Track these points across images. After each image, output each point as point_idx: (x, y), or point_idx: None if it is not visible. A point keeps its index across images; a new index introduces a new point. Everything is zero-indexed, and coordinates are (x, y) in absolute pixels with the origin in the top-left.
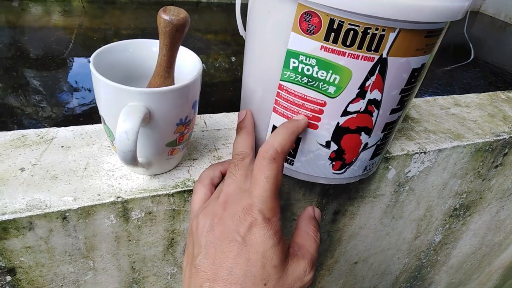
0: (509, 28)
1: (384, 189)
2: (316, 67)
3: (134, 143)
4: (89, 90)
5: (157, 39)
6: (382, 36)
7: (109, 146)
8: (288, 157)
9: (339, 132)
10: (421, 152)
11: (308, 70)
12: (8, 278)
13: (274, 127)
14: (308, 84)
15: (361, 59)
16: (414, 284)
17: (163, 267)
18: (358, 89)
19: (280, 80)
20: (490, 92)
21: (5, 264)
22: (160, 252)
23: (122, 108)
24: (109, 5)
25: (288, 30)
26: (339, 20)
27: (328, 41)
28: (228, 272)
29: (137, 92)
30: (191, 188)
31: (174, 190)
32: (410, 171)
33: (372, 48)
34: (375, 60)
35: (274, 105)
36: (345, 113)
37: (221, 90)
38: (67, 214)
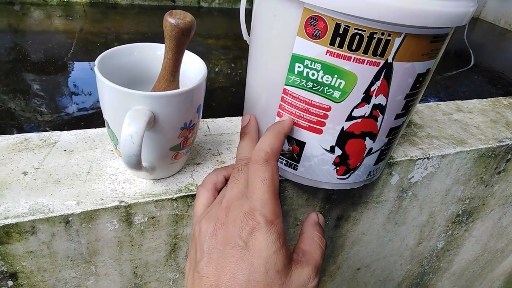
0: (508, 35)
1: (387, 194)
2: (321, 71)
3: (139, 147)
4: (90, 94)
5: (158, 43)
6: (387, 41)
7: (112, 150)
8: (291, 162)
9: (343, 137)
10: (424, 158)
11: (313, 74)
12: (10, 283)
13: None
14: (313, 88)
15: (366, 64)
16: None
17: (165, 272)
18: (363, 94)
19: (285, 84)
20: (493, 98)
21: (7, 268)
22: (162, 258)
23: (127, 111)
24: (110, 9)
25: (294, 34)
26: (345, 25)
27: (333, 45)
28: (231, 278)
29: (142, 95)
30: (194, 192)
31: (178, 195)
32: (413, 176)
33: (378, 53)
34: (380, 65)
35: (279, 110)
36: (350, 118)
37: (222, 95)
38: (70, 218)
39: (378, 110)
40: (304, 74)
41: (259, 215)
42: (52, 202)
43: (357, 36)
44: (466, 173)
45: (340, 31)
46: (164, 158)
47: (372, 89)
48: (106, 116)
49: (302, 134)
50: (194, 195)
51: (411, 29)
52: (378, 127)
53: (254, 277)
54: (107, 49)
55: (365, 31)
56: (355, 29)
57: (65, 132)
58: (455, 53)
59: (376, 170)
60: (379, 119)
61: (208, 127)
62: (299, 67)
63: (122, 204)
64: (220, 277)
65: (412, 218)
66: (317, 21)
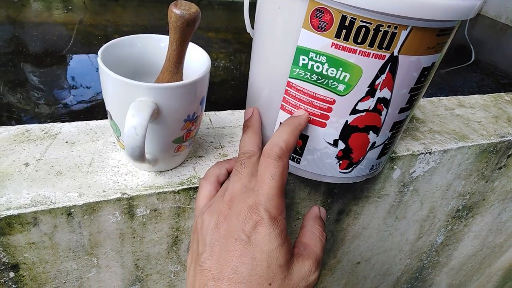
0: (510, 31)
1: (389, 189)
2: (326, 64)
3: (143, 139)
4: (89, 87)
5: (159, 35)
6: (394, 34)
7: (114, 142)
8: (294, 156)
9: (347, 131)
10: (426, 153)
11: (318, 67)
12: (11, 274)
13: None
14: (318, 81)
15: (372, 57)
16: (415, 285)
17: (166, 265)
18: (368, 87)
19: (289, 77)
20: (494, 94)
21: (9, 260)
22: (164, 250)
23: (130, 103)
24: (110, 1)
25: (299, 26)
26: (351, 17)
27: (339, 38)
28: (233, 271)
29: (146, 87)
30: (196, 185)
31: (180, 187)
32: (415, 171)
33: (384, 46)
34: (386, 58)
35: (282, 103)
36: (354, 111)
37: (222, 88)
38: (72, 210)
39: (382, 104)
40: (309, 67)
41: (263, 210)
42: (54, 194)
43: (363, 29)
44: (467, 168)
45: (346, 24)
46: (167, 151)
47: (377, 82)
48: (108, 107)
49: (305, 128)
50: (197, 187)
51: (417, 22)
52: (382, 121)
53: (256, 270)
54: (107, 41)
55: (371, 23)
56: (361, 21)
57: (67, 123)
58: (456, 49)
59: (379, 164)
60: (383, 112)
61: (210, 120)
62: (303, 59)
63: (124, 196)
64: (222, 270)
65: (413, 213)
66: (323, 13)
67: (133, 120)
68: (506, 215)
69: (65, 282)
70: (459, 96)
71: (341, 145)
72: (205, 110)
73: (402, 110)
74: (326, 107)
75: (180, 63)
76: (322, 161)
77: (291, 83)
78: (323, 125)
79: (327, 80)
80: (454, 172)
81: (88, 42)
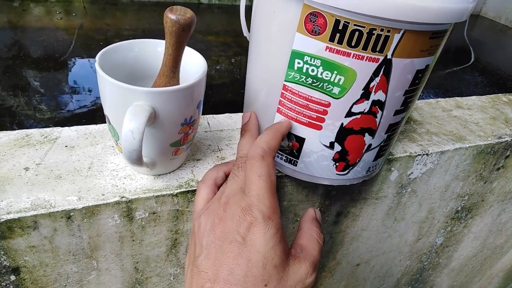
0: (509, 32)
1: (387, 190)
2: (321, 67)
3: (140, 142)
4: (90, 91)
5: (159, 39)
6: (387, 37)
7: (113, 146)
8: (291, 158)
9: (343, 133)
10: (423, 154)
11: (312, 70)
12: (12, 277)
13: None
14: (313, 85)
15: (366, 60)
16: (416, 287)
17: (166, 267)
18: (362, 90)
19: (285, 81)
20: (492, 95)
21: (10, 263)
22: (163, 253)
23: (128, 107)
24: (110, 6)
25: (293, 30)
26: (345, 21)
27: (333, 41)
28: (229, 273)
29: (143, 91)
30: (194, 188)
31: (178, 190)
32: (412, 173)
33: (377, 49)
34: (379, 61)
35: (278, 106)
36: (349, 114)
37: (222, 91)
38: (71, 213)
39: (377, 106)
40: (304, 70)
41: (257, 211)
42: (53, 198)
43: (357, 32)
44: (465, 169)
45: (340, 27)
46: (164, 154)
47: (371, 85)
48: (106, 112)
49: (301, 130)
50: (195, 190)
51: (410, 25)
52: (377, 123)
53: (252, 272)
54: (107, 45)
55: (364, 27)
56: (354, 25)
57: (66, 128)
58: (455, 50)
59: (375, 166)
60: (378, 115)
61: (208, 123)
62: (298, 63)
63: (123, 199)
64: (218, 272)
65: (411, 214)
66: (316, 17)
67: (130, 124)
68: (506, 216)
69: (65, 285)
70: (456, 98)
71: (337, 148)
72: (204, 113)
73: (397, 112)
74: (322, 110)
75: (176, 68)
76: (318, 163)
77: (287, 87)
78: (319, 127)
79: (322, 83)
80: (452, 173)
81: (89, 46)
